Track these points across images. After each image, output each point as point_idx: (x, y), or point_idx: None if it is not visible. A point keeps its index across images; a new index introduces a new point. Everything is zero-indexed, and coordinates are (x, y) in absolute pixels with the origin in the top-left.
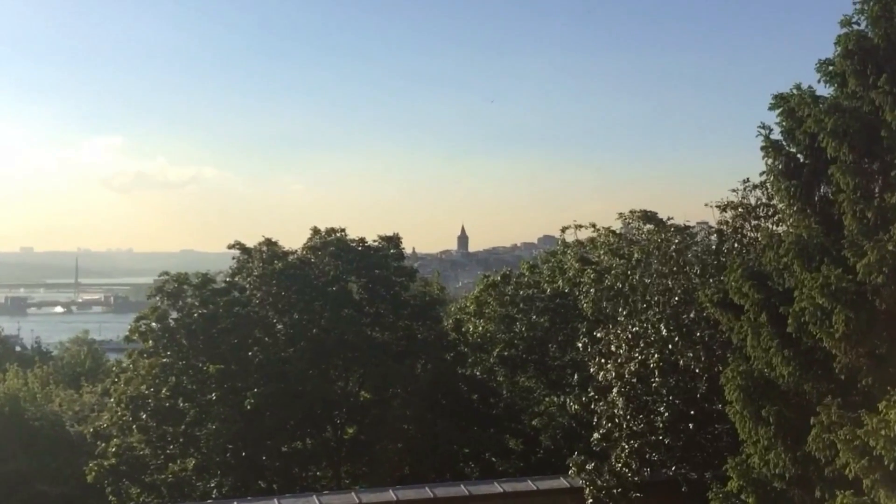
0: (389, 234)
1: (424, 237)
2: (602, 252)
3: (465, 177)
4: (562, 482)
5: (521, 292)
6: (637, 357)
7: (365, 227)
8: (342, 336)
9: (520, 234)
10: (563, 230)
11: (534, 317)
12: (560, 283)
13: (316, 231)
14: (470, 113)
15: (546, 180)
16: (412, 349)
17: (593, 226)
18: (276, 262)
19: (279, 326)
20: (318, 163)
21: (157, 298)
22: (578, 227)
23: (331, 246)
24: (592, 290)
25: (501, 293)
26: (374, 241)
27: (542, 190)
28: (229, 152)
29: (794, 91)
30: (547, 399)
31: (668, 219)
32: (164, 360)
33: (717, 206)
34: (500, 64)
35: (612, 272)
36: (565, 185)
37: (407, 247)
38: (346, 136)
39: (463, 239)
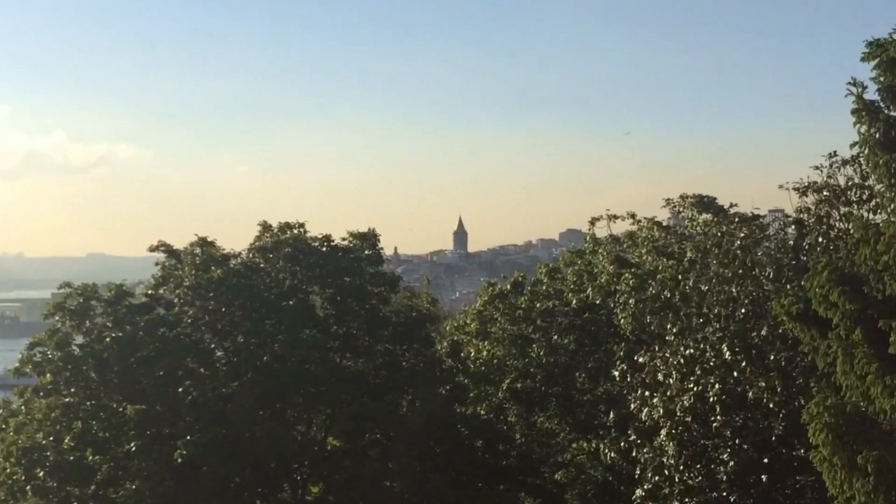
0: (363, 230)
1: (410, 234)
2: (644, 251)
3: (464, 154)
4: None
5: (539, 305)
6: (692, 388)
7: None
8: (302, 365)
9: (535, 228)
10: (593, 222)
11: (555, 337)
12: (589, 291)
13: (266, 227)
14: (470, 70)
15: (571, 158)
16: (395, 381)
17: (632, 216)
18: (213, 268)
19: (219, 353)
20: (270, 138)
21: (57, 318)
22: (613, 217)
23: (286, 246)
24: (632, 300)
25: (512, 306)
26: (344, 239)
27: (566, 171)
28: (151, 124)
29: None
30: (574, 445)
31: (731, 206)
32: (67, 399)
33: (794, 189)
34: (509, 3)
35: (658, 277)
36: (596, 164)
37: (387, 246)
38: (306, 103)
39: (461, 236)
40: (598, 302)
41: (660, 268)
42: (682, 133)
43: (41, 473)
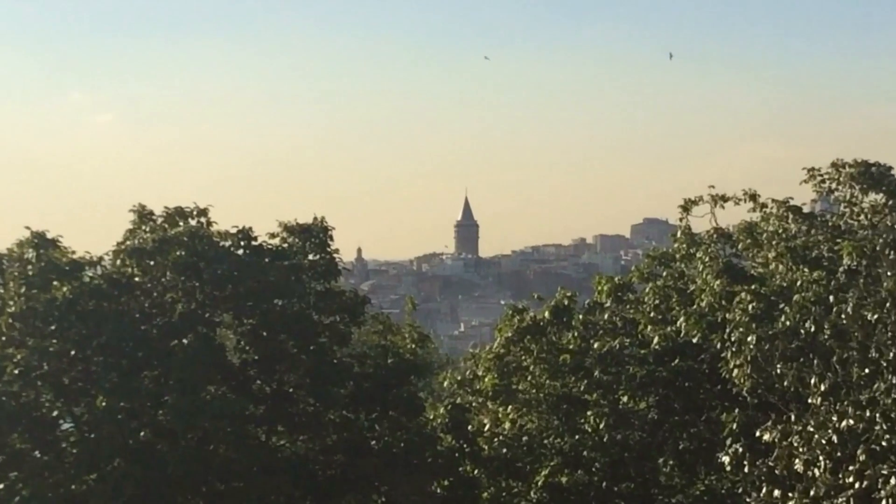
0: (306, 219)
1: (387, 229)
2: (773, 254)
3: (471, 109)
4: None
5: (597, 345)
6: (852, 484)
7: (254, 208)
8: (204, 446)
9: (590, 218)
10: (687, 207)
11: (625, 399)
12: (682, 323)
13: (144, 215)
14: None
15: (646, 107)
16: (360, 472)
17: (752, 197)
18: (56, 283)
19: (65, 426)
20: (151, 69)
21: None
22: (720, 199)
23: (177, 247)
24: (752, 337)
25: (553, 347)
26: (274, 235)
27: (639, 127)
28: None
29: None
30: None
31: None
32: None
33: None
34: None
35: (796, 299)
36: (688, 114)
37: (346, 247)
38: (217, 14)
39: (467, 230)
40: (695, 340)
41: (798, 283)
42: (833, 61)
43: None
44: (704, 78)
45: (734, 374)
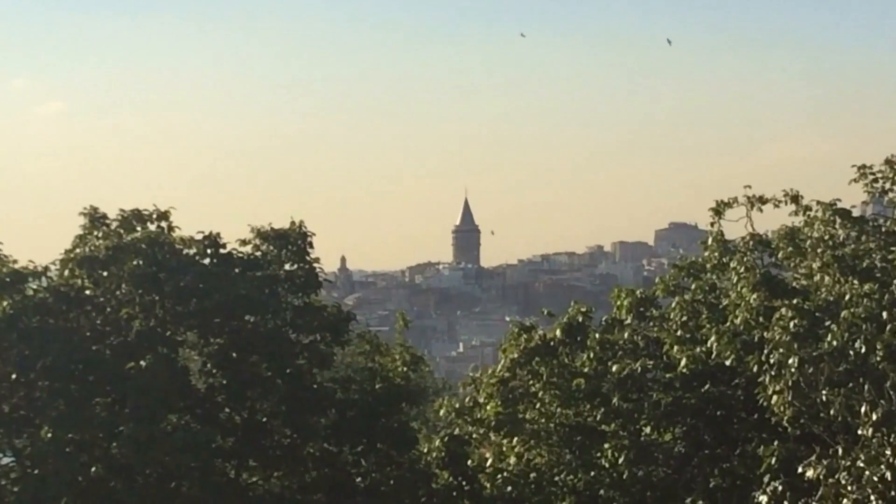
0: (282, 224)
1: (375, 235)
2: (817, 264)
3: (472, 99)
4: None
5: (616, 367)
6: None
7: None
8: (165, 483)
9: (608, 222)
10: (719, 210)
11: (647, 430)
12: (713, 342)
13: (96, 218)
14: None
15: (672, 94)
16: None
17: (794, 199)
18: None
19: (4, 460)
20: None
21: None
22: (757, 201)
23: (134, 255)
24: (793, 359)
25: (566, 370)
26: (245, 242)
27: (665, 119)
28: None
29: None
30: None
31: None
32: None
33: None
34: None
35: (844, 315)
36: (721, 106)
37: (330, 256)
38: None
39: (467, 236)
40: (729, 363)
41: (847, 297)
42: (886, 43)
43: None
44: (738, 65)
45: (773, 402)
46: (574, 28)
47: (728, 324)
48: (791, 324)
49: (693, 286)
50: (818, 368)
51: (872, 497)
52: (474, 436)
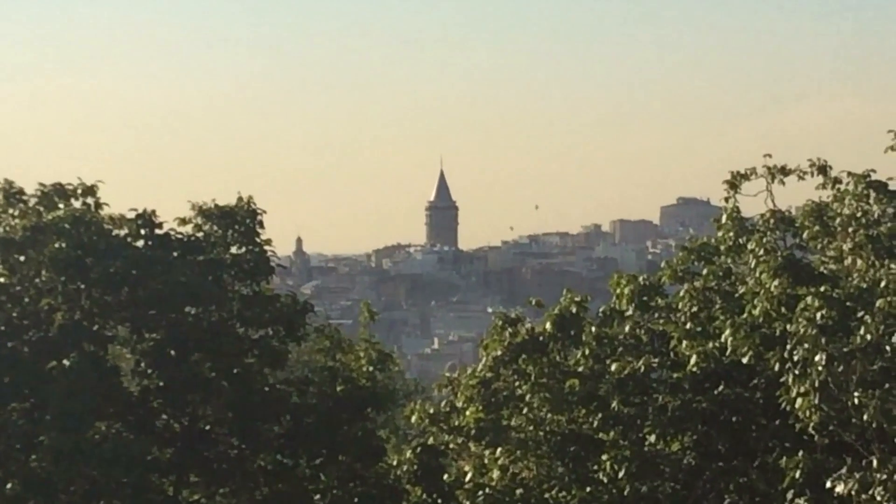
0: (227, 200)
1: (336, 213)
2: (848, 245)
3: (448, 53)
4: None
5: (615, 366)
6: None
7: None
8: (97, 502)
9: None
10: (735, 182)
11: (651, 438)
12: (728, 337)
13: (10, 193)
14: None
15: (678, 49)
16: None
17: (821, 170)
18: None
19: None
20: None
21: None
22: (778, 172)
23: (56, 237)
24: (821, 355)
25: (557, 369)
26: (186, 221)
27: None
28: None
29: None
30: None
31: None
32: None
33: None
34: None
35: (879, 304)
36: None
37: (284, 237)
38: None
39: (443, 216)
40: (746, 360)
41: (883, 284)
42: None
43: None
44: (755, 16)
45: (797, 405)
46: None
47: (745, 315)
48: (818, 315)
49: (705, 271)
50: (849, 366)
51: None
52: (451, 446)
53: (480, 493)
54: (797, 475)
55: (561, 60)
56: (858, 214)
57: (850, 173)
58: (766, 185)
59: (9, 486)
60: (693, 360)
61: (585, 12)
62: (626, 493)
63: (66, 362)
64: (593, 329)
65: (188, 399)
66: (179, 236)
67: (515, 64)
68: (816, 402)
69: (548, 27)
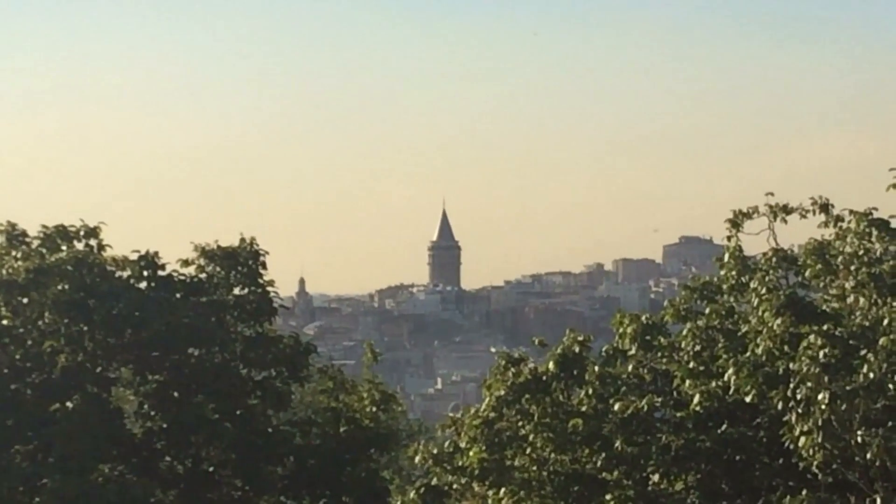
0: (229, 241)
1: (339, 254)
2: (850, 283)
3: (451, 95)
4: None
5: (618, 406)
6: None
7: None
8: None
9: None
10: (737, 221)
11: (655, 478)
12: (731, 376)
13: (13, 236)
14: None
15: (681, 89)
16: None
17: (823, 208)
18: None
19: None
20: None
21: None
22: (780, 211)
23: (57, 276)
24: (824, 394)
25: (560, 409)
26: (188, 263)
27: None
28: None
29: None
30: None
31: None
32: None
33: None
34: None
35: (882, 342)
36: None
37: (287, 278)
38: None
39: (446, 256)
40: (749, 399)
41: (886, 322)
42: None
43: None
44: (759, 54)
45: (801, 444)
46: (570, 14)
47: (748, 354)
48: (821, 353)
49: (707, 310)
50: (852, 405)
51: None
52: (455, 486)
53: None
54: None
55: (563, 100)
56: (861, 253)
57: (852, 211)
58: (769, 224)
59: None
60: (696, 399)
61: (588, 51)
62: None
63: (69, 404)
64: (596, 368)
65: (191, 441)
66: (182, 278)
67: (517, 103)
68: (820, 440)
69: (550, 67)
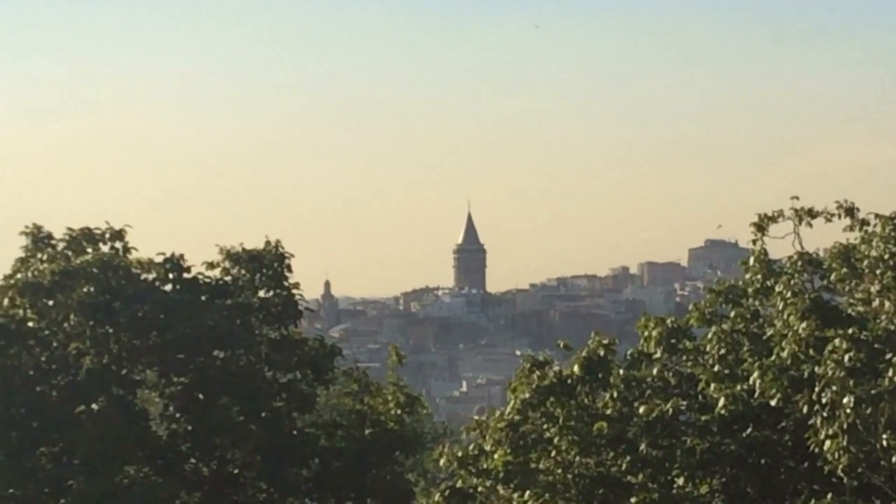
0: (255, 244)
1: (364, 257)
2: (876, 286)
3: (476, 97)
4: None
5: (643, 409)
6: None
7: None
8: None
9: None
10: (762, 225)
11: (679, 481)
12: (756, 379)
13: (39, 239)
14: None
15: (705, 93)
16: None
17: (849, 212)
18: None
19: None
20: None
21: None
22: (806, 215)
23: (83, 278)
24: (849, 398)
25: (585, 411)
26: (213, 265)
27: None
28: None
29: None
30: None
31: None
32: None
33: None
34: None
35: None
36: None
37: (312, 280)
38: None
39: (471, 259)
40: (774, 403)
41: None
42: None
43: None
44: (785, 57)
45: (826, 448)
46: (595, 17)
47: (773, 357)
48: (846, 357)
49: (732, 314)
50: (878, 408)
51: None
52: (480, 489)
53: None
54: None
55: (589, 104)
56: (886, 256)
57: (877, 215)
58: (794, 228)
59: None
60: (721, 402)
61: (613, 58)
62: None
63: (94, 406)
64: (621, 372)
65: (216, 443)
66: (207, 280)
67: (543, 107)
68: (845, 444)
69: (575, 72)
